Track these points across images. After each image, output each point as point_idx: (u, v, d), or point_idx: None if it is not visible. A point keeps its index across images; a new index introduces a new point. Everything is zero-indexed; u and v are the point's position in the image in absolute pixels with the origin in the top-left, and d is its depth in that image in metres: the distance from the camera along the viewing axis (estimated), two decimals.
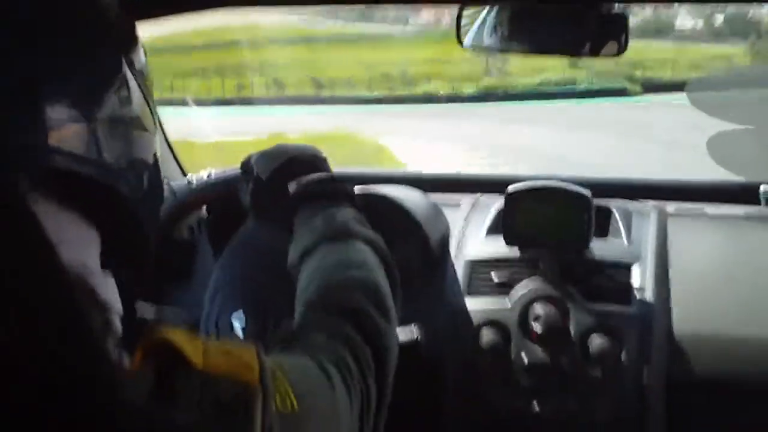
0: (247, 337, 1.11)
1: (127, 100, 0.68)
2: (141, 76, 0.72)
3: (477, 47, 1.25)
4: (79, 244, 0.65)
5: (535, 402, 1.40)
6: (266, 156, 1.08)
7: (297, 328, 0.80)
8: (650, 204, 1.64)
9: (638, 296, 1.40)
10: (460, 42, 1.25)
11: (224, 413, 0.58)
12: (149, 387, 0.56)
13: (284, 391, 0.64)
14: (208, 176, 1.81)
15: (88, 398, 0.45)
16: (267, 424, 0.59)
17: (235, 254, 1.23)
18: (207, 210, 1.59)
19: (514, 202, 1.46)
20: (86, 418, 0.45)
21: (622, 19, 1.20)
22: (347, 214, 0.95)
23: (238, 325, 1.17)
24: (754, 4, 1.27)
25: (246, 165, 1.12)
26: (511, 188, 1.46)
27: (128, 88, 0.69)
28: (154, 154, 0.74)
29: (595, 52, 1.21)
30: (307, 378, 0.70)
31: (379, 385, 0.79)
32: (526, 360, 1.39)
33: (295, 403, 0.64)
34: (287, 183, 1.02)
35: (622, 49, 1.20)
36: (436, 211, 1.61)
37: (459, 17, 1.22)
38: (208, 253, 1.61)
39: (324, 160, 1.07)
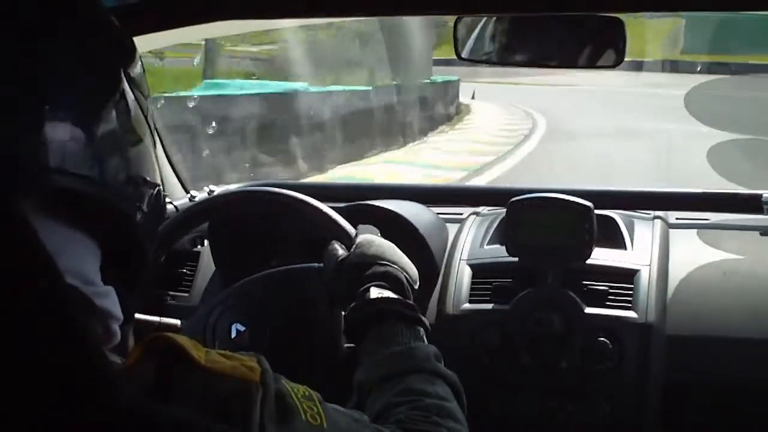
0: (241, 346, 1.11)
1: (126, 116, 0.69)
2: (139, 91, 0.72)
3: (475, 58, 1.25)
4: (77, 256, 0.66)
5: (534, 404, 1.40)
6: (369, 247, 1.09)
7: None
8: (653, 213, 1.64)
9: (639, 302, 1.40)
10: (458, 53, 1.26)
11: (223, 409, 0.58)
12: (149, 382, 0.57)
13: (316, 411, 0.66)
14: (209, 192, 1.81)
15: (87, 396, 0.46)
16: (264, 422, 0.60)
17: (265, 285, 1.23)
18: (210, 224, 1.59)
19: (516, 213, 1.46)
20: (85, 416, 0.45)
21: (620, 29, 1.21)
22: (429, 350, 0.95)
23: (235, 333, 1.18)
24: (757, 8, 1.27)
25: (353, 235, 1.15)
26: (513, 200, 1.47)
27: (127, 103, 0.69)
28: (154, 170, 0.74)
29: (592, 63, 1.22)
30: (341, 414, 0.72)
31: None
32: (526, 362, 1.39)
33: (324, 422, 0.66)
34: (370, 286, 1.03)
35: (620, 59, 1.21)
36: (438, 223, 1.62)
37: (456, 28, 1.23)
38: (210, 264, 1.62)
39: (412, 287, 1.08)
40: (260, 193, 1.38)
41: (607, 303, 1.41)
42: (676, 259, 1.50)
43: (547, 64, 1.28)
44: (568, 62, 1.27)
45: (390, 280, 1.04)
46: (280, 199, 1.29)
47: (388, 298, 1.01)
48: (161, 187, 0.76)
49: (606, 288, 1.42)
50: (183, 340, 0.62)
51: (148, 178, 0.72)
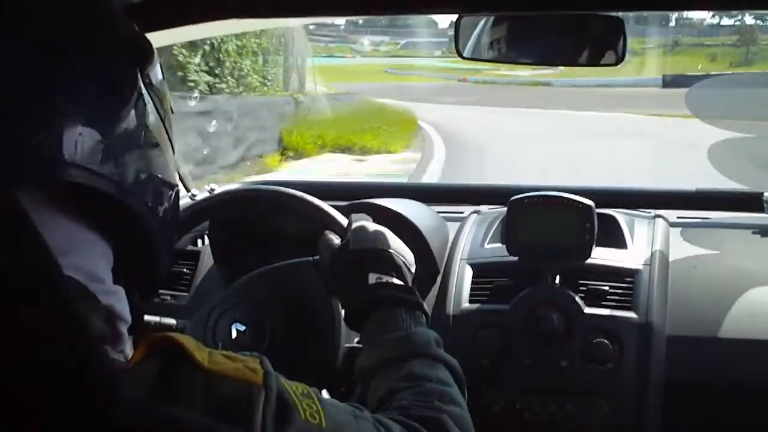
0: (243, 346, 1.11)
1: (143, 117, 0.68)
2: (157, 92, 0.72)
3: (476, 57, 1.25)
4: (85, 253, 0.66)
5: (534, 404, 1.40)
6: (365, 233, 1.08)
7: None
8: (653, 212, 1.64)
9: (639, 302, 1.40)
10: (459, 52, 1.25)
11: (226, 412, 0.58)
12: (151, 382, 0.57)
13: (315, 409, 0.66)
14: (210, 191, 1.81)
15: (88, 395, 0.46)
16: (266, 424, 0.60)
17: (263, 283, 1.23)
18: (210, 224, 1.59)
19: (517, 212, 1.46)
20: (86, 414, 0.45)
21: (620, 28, 1.21)
22: (429, 335, 0.95)
23: (235, 334, 1.18)
24: (757, 8, 1.28)
25: (347, 224, 1.14)
26: (514, 199, 1.46)
27: (144, 103, 0.69)
28: (170, 172, 0.74)
29: (593, 62, 1.22)
30: (339, 410, 0.72)
31: None
32: (526, 362, 1.39)
33: (323, 421, 0.66)
34: (368, 272, 1.02)
35: (620, 58, 1.21)
36: (439, 222, 1.62)
37: (457, 27, 1.23)
38: (209, 263, 1.62)
39: (410, 271, 1.08)
40: (251, 191, 1.38)
41: (607, 303, 1.41)
42: (676, 258, 1.50)
43: (547, 63, 1.28)
44: (569, 61, 1.27)
45: (387, 265, 1.04)
46: (270, 197, 1.29)
47: (386, 284, 1.01)
48: (178, 190, 0.75)
49: (606, 287, 1.42)
50: (186, 340, 0.62)
51: (163, 179, 0.71)
